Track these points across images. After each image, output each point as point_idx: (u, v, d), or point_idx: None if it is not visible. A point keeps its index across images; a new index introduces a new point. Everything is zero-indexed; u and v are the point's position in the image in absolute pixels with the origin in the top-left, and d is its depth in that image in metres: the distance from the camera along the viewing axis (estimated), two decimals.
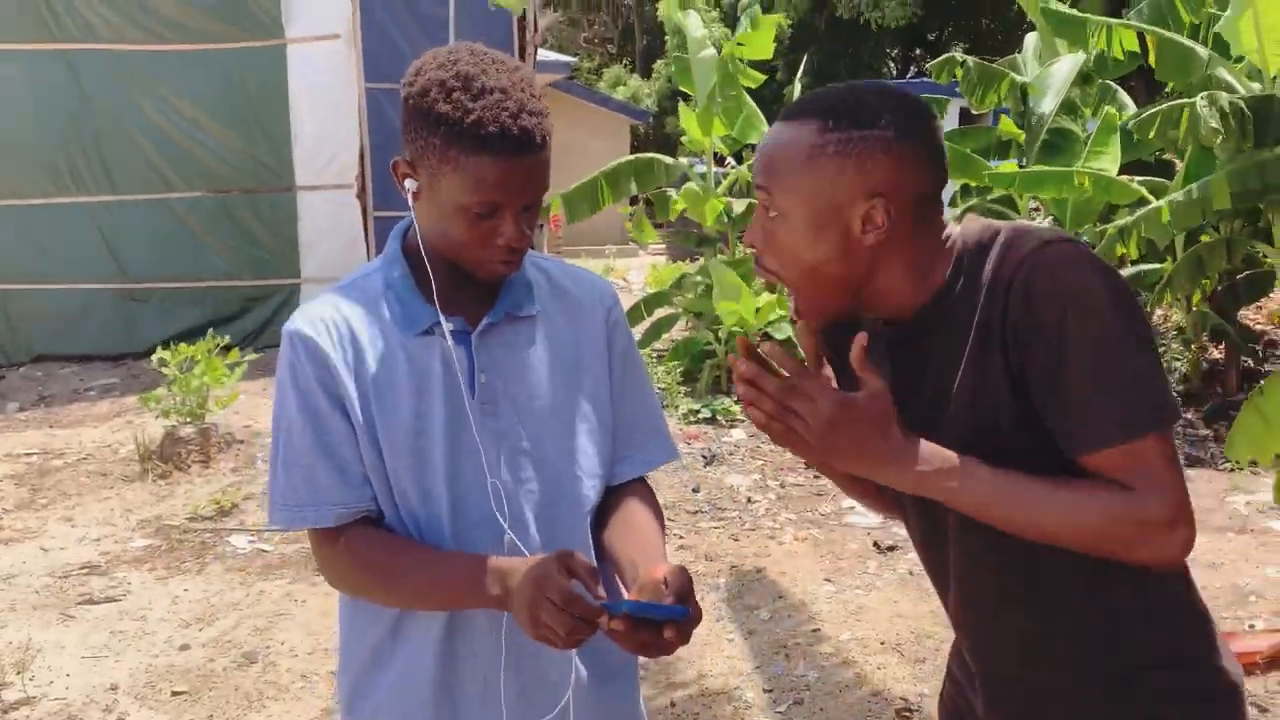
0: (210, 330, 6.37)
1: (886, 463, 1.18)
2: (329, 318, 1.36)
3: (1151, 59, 5.34)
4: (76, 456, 5.81)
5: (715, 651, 3.63)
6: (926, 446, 1.19)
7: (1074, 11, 5.96)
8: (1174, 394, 1.03)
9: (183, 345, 5.80)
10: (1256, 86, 5.57)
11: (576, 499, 1.43)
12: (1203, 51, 5.30)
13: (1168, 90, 6.04)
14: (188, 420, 5.70)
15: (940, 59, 7.08)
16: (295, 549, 4.53)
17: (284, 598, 4.07)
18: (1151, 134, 5.43)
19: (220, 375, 5.68)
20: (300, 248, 8.34)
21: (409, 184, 1.34)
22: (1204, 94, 5.10)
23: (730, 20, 19.02)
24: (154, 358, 5.75)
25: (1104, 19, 5.58)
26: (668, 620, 1.20)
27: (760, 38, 7.52)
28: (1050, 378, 1.17)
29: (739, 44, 7.55)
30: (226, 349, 5.97)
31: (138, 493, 5.27)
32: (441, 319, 1.36)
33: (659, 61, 8.23)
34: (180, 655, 3.66)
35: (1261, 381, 3.28)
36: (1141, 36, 5.30)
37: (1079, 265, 1.16)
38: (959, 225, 1.31)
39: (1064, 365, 1.15)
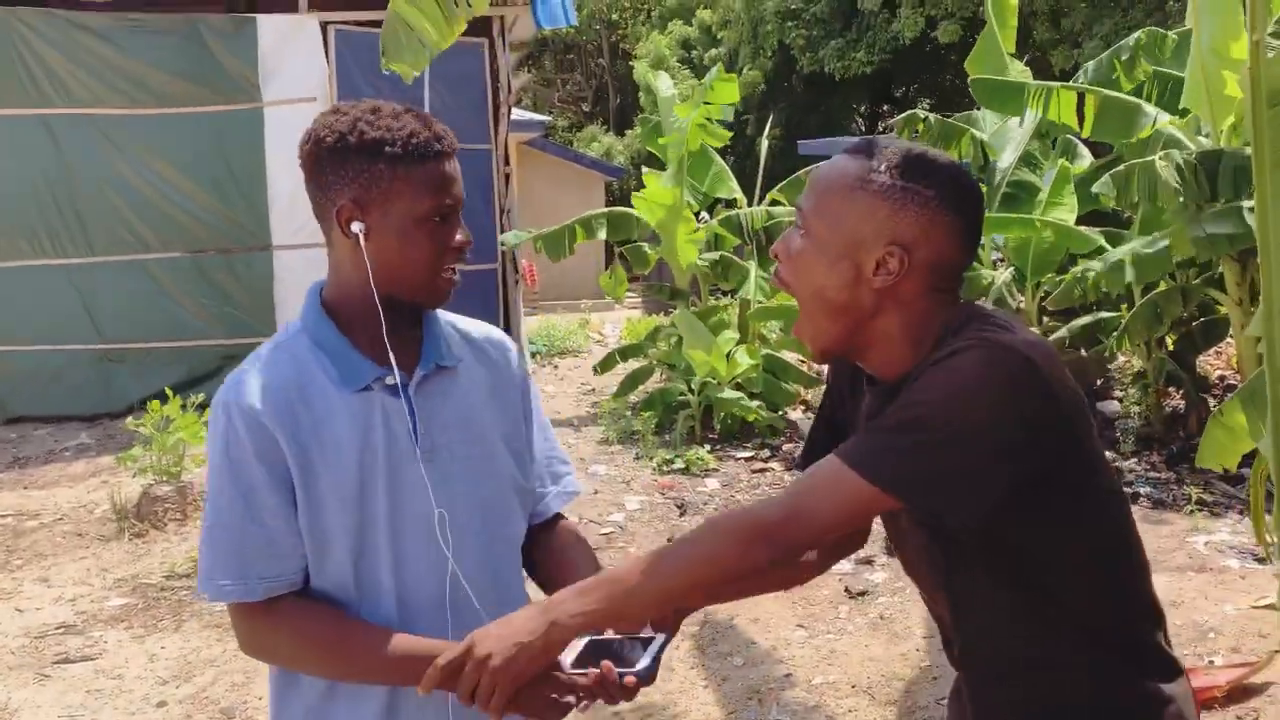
0: (195, 393, 6.40)
1: (540, 638, 1.25)
2: (265, 384, 1.37)
3: (1088, 122, 5.50)
4: (52, 517, 5.82)
5: (689, 698, 3.68)
6: (561, 597, 1.28)
7: (1009, 79, 6.12)
8: (906, 474, 1.09)
9: (155, 403, 5.83)
10: (1204, 140, 5.78)
11: (512, 537, 1.53)
12: (1149, 109, 5.51)
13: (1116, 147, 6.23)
14: (164, 479, 5.72)
15: (903, 115, 7.31)
16: None
17: None
18: (1115, 198, 5.59)
19: (196, 432, 5.71)
20: (276, 306, 8.41)
21: (356, 226, 1.38)
22: (1163, 152, 5.27)
23: (700, 75, 19.42)
24: (129, 420, 5.77)
25: (1043, 83, 5.76)
26: (632, 672, 1.28)
27: (724, 92, 7.74)
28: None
29: (706, 103, 7.76)
30: (202, 407, 6.00)
31: (114, 552, 5.28)
32: (391, 372, 1.40)
33: (640, 117, 8.48)
34: (158, 712, 3.67)
35: (1222, 404, 3.59)
36: (1080, 99, 5.48)
37: (985, 355, 1.21)
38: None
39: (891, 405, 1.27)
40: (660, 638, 1.35)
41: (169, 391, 6.14)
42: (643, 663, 1.29)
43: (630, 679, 1.27)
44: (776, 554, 1.24)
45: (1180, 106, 5.67)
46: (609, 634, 1.36)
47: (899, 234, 1.28)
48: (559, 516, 1.62)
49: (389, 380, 1.41)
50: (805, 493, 1.26)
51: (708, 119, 7.84)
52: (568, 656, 1.32)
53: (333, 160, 1.39)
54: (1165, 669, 1.34)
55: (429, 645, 1.33)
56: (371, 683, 1.38)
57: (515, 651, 1.24)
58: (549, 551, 1.56)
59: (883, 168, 1.29)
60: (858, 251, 1.29)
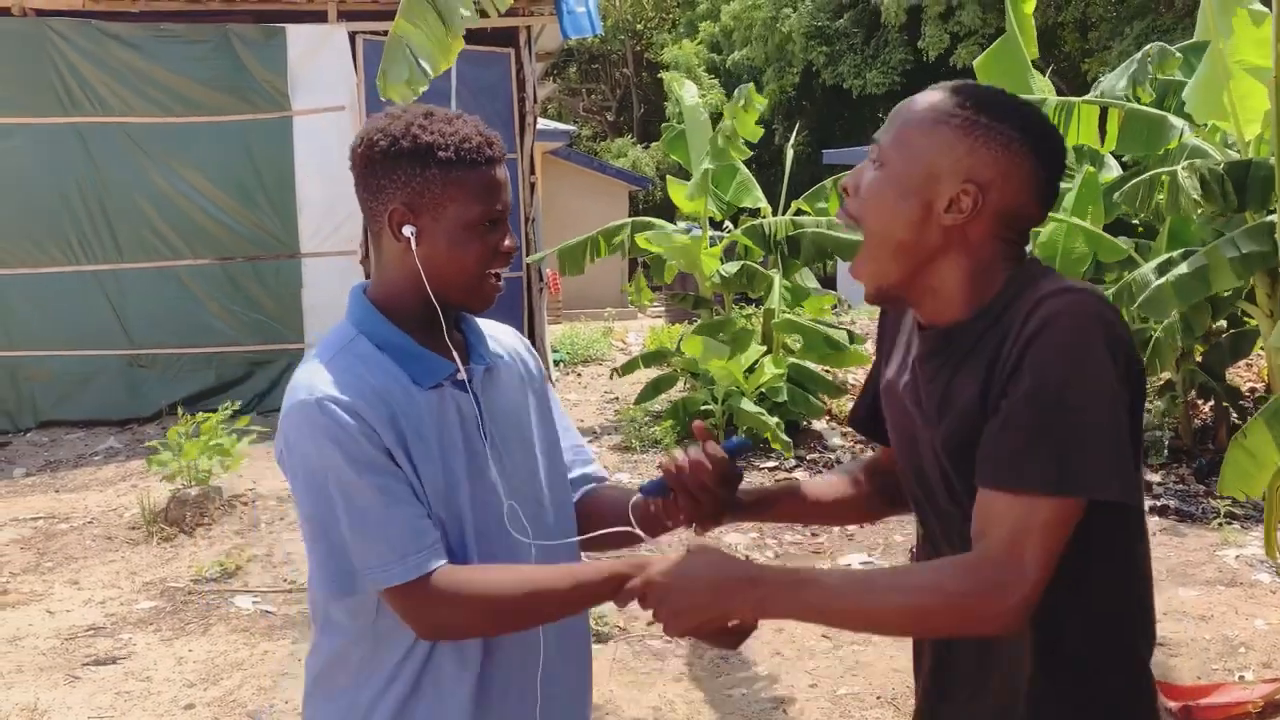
0: (223, 398, 6.46)
1: (731, 603, 1.24)
2: (346, 382, 1.36)
3: (1110, 136, 5.45)
4: (82, 520, 5.88)
5: (714, 708, 3.68)
6: (765, 571, 1.26)
7: (1030, 96, 6.08)
8: (1118, 469, 1.14)
9: (185, 417, 5.89)
10: (1233, 153, 5.73)
11: (568, 516, 1.58)
12: (1175, 121, 5.46)
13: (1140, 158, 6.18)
14: (193, 484, 5.78)
15: None
16: (299, 610, 4.58)
17: (288, 657, 4.12)
18: (1137, 204, 5.55)
19: (230, 449, 5.78)
20: (304, 313, 8.49)
21: (407, 230, 1.39)
22: (1185, 162, 5.23)
23: (729, 86, 19.45)
24: (169, 432, 5.80)
25: (1063, 99, 5.71)
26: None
27: (748, 119, 7.79)
28: (1000, 403, 1.20)
29: (732, 118, 7.79)
30: (235, 415, 6.08)
31: (143, 556, 5.33)
32: (461, 368, 1.43)
33: (664, 125, 8.50)
34: (185, 715, 3.70)
35: (1244, 425, 3.45)
36: (1103, 114, 5.44)
37: (1082, 315, 1.18)
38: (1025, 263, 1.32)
39: (1011, 396, 1.18)
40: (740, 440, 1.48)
41: (224, 404, 6.19)
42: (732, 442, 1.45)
43: (721, 455, 1.43)
44: (1000, 623, 1.18)
45: (1198, 120, 5.61)
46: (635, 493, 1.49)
47: (976, 172, 1.25)
48: (596, 483, 1.68)
49: (459, 376, 1.44)
50: (1013, 545, 1.16)
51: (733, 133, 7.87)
52: (651, 488, 1.45)
53: (385, 164, 1.40)
54: (1149, 685, 1.33)
55: (605, 568, 1.36)
56: (552, 619, 1.42)
57: (695, 618, 1.26)
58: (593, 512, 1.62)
59: (968, 103, 1.27)
60: (932, 186, 1.26)
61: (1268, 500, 2.91)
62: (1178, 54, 5.93)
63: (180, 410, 6.63)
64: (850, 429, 1.56)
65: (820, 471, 6.71)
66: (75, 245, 8.27)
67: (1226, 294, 6.16)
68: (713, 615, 1.26)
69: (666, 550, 5.19)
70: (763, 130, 8.24)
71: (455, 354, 1.43)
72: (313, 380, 1.37)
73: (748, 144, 7.97)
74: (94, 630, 4.45)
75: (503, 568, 1.39)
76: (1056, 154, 1.29)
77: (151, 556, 5.31)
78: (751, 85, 8.22)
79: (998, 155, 1.25)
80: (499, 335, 1.60)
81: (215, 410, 6.05)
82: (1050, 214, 6.72)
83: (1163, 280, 5.24)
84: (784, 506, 1.64)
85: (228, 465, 5.84)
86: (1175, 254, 5.62)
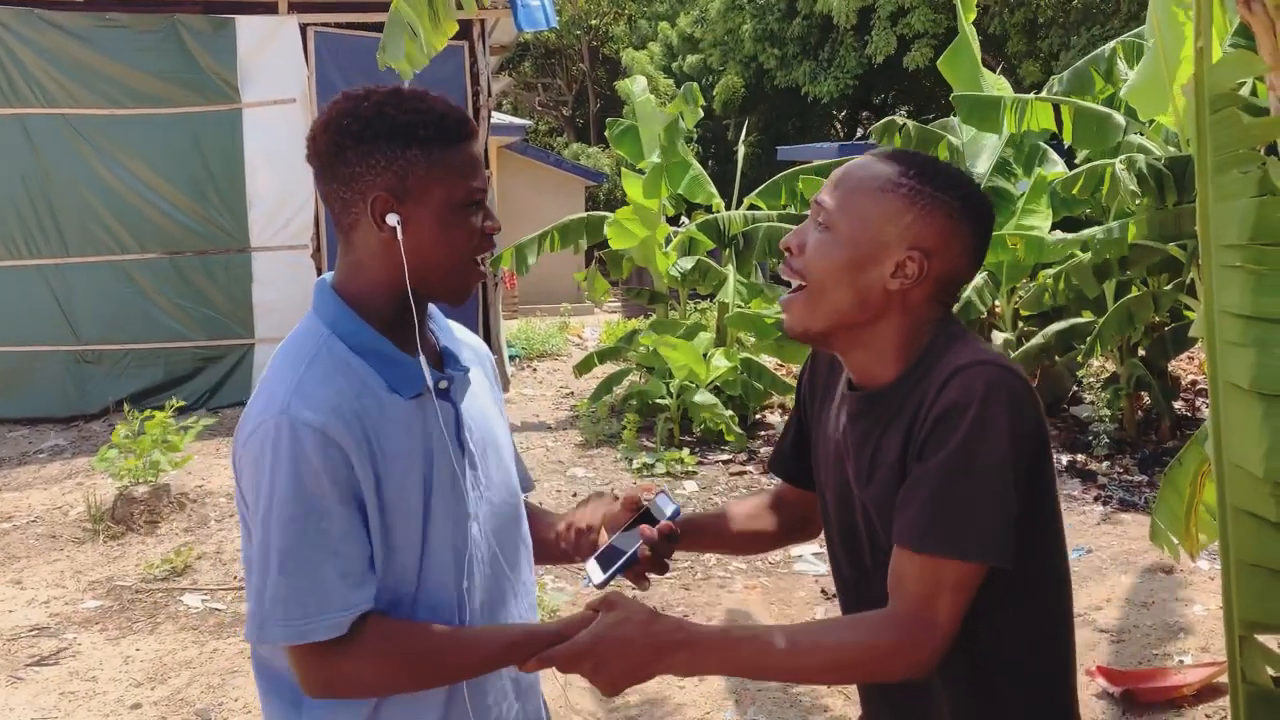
0: (172, 395, 6.38)
1: (664, 667, 1.26)
2: (323, 396, 1.26)
3: (1066, 131, 5.61)
4: (26, 519, 5.78)
5: (667, 700, 3.70)
6: (693, 631, 1.27)
7: (989, 94, 6.23)
8: (1003, 540, 1.24)
9: (132, 414, 5.80)
10: (1172, 149, 5.87)
11: (520, 522, 1.54)
12: (1119, 118, 5.60)
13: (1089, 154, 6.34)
14: (140, 481, 5.70)
15: (882, 122, 7.38)
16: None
17: (237, 655, 4.08)
18: (1076, 190, 5.71)
19: (178, 446, 5.70)
20: (254, 308, 8.39)
21: (392, 219, 1.29)
22: (1122, 157, 5.39)
23: (680, 82, 19.49)
24: (111, 433, 5.71)
25: (1019, 96, 5.86)
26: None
27: (690, 115, 7.92)
28: (911, 467, 1.28)
29: (678, 111, 7.87)
30: (182, 410, 5.99)
31: (89, 554, 5.25)
32: (443, 376, 1.37)
33: (609, 120, 8.44)
34: (132, 715, 3.66)
35: (1179, 453, 3.24)
36: (1056, 109, 5.57)
37: (989, 386, 1.24)
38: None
39: (921, 460, 1.26)
40: (661, 496, 1.51)
41: (170, 399, 6.12)
42: (668, 507, 1.48)
43: (665, 527, 1.46)
44: (913, 672, 1.26)
45: (1141, 117, 5.76)
46: (606, 541, 1.50)
47: (922, 239, 1.31)
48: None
49: (442, 384, 1.37)
50: (925, 602, 1.25)
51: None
52: (596, 577, 1.43)
53: (358, 148, 1.28)
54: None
55: (529, 631, 1.33)
56: (464, 679, 1.35)
57: (625, 676, 1.26)
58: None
59: (912, 172, 1.32)
60: (880, 252, 1.31)
61: (1187, 499, 2.89)
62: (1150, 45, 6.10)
63: (127, 407, 6.53)
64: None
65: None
66: (19, 239, 8.11)
67: (1167, 288, 6.31)
68: (647, 677, 1.27)
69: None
70: (701, 114, 8.34)
71: (423, 358, 1.34)
72: (285, 392, 1.26)
73: (697, 140, 8.07)
74: (38, 630, 4.37)
75: (426, 631, 1.30)
76: (989, 220, 1.37)
77: (98, 555, 5.24)
78: (694, 85, 8.33)
79: (941, 224, 1.31)
80: (464, 336, 1.53)
81: (163, 408, 5.97)
82: (997, 220, 6.90)
83: (1089, 254, 5.46)
84: (707, 540, 1.75)
85: (176, 462, 5.77)
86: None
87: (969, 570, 1.24)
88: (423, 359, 1.34)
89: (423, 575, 1.33)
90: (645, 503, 1.52)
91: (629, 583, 1.50)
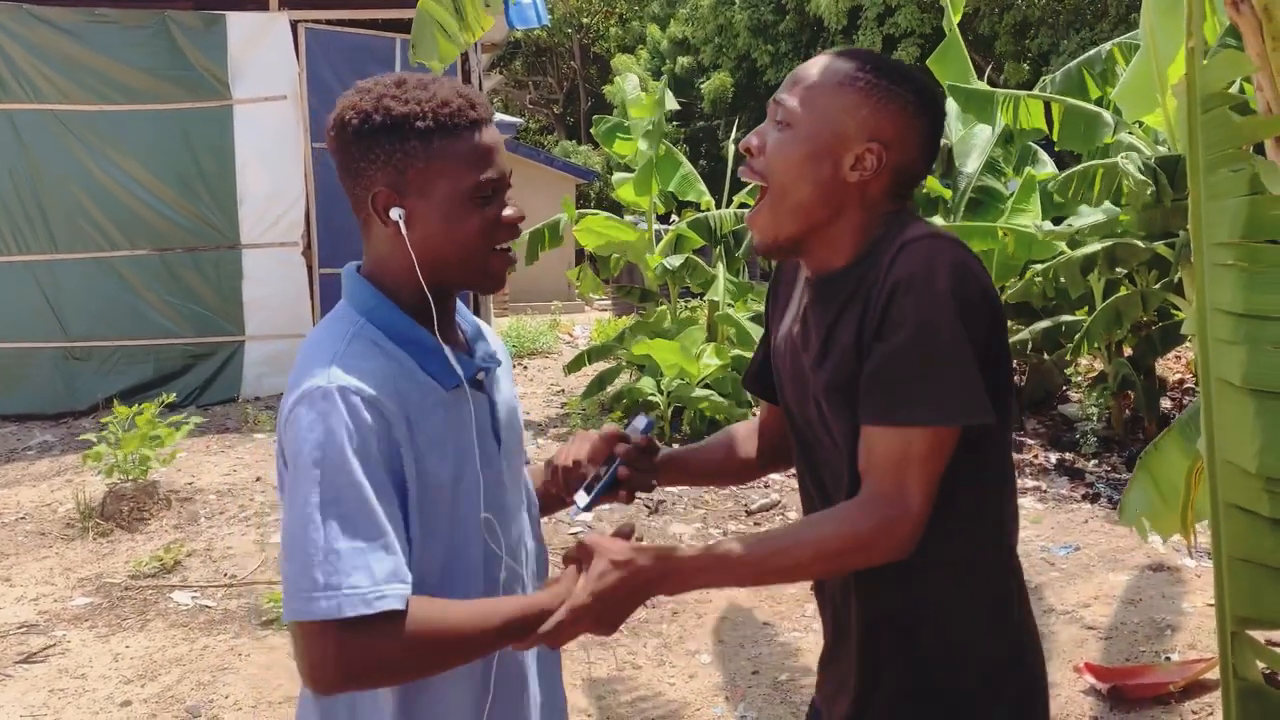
0: (161, 392, 6.36)
1: (652, 594, 1.29)
2: (368, 370, 1.24)
3: (1055, 129, 5.64)
4: (14, 516, 5.75)
5: (657, 697, 3.71)
6: (676, 560, 1.29)
7: (980, 86, 6.26)
8: (975, 397, 1.27)
9: (121, 409, 5.78)
10: (1162, 149, 5.91)
11: (536, 517, 1.54)
12: (1108, 117, 5.62)
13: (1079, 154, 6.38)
14: (130, 478, 5.68)
15: None
16: (238, 604, 4.53)
17: (228, 652, 4.08)
18: (1070, 193, 5.73)
19: (168, 440, 5.69)
20: (245, 305, 8.37)
21: (395, 213, 1.27)
22: (1124, 154, 5.42)
23: (676, 91, 19.53)
24: (101, 430, 5.68)
25: (1012, 92, 5.88)
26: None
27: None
28: (870, 346, 1.30)
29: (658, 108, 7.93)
30: (171, 407, 5.97)
31: (78, 551, 5.23)
32: (482, 368, 1.36)
33: (596, 118, 8.46)
34: (122, 712, 3.65)
35: (1155, 439, 3.26)
36: (1047, 107, 5.60)
37: (937, 256, 1.27)
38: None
39: (879, 338, 1.28)
40: (641, 420, 1.55)
41: (161, 394, 6.10)
42: (641, 423, 1.52)
43: (642, 439, 1.50)
44: (895, 552, 1.27)
45: (1127, 118, 5.80)
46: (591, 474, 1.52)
47: (880, 131, 1.34)
48: None
49: (479, 375, 1.36)
50: (896, 477, 1.26)
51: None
52: (581, 502, 1.48)
53: (360, 143, 1.26)
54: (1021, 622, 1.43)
55: (522, 606, 1.28)
56: (472, 659, 1.28)
57: (622, 613, 1.28)
58: None
59: (867, 67, 1.35)
60: (839, 145, 1.34)
61: (1186, 481, 2.92)
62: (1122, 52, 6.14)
63: (117, 404, 6.50)
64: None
65: None
66: (7, 235, 8.08)
67: (1155, 287, 6.34)
68: (639, 604, 1.30)
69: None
70: (718, 105, 8.39)
71: (464, 350, 1.34)
72: (325, 366, 1.23)
73: (687, 140, 8.11)
74: (26, 627, 4.36)
75: (443, 607, 1.24)
76: (942, 115, 1.41)
77: (87, 552, 5.22)
78: (664, 83, 8.41)
79: (896, 116, 1.34)
80: (484, 330, 1.50)
81: (152, 404, 5.95)
82: (984, 218, 6.94)
83: (1076, 253, 5.50)
84: (693, 471, 1.77)
85: (165, 459, 5.75)
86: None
87: (937, 438, 1.26)
88: (448, 351, 1.32)
89: (447, 565, 1.31)
90: (624, 431, 1.56)
91: (618, 504, 1.57)
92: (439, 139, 1.25)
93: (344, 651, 1.15)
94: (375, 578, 1.16)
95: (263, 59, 8.24)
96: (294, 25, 8.30)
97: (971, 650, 1.38)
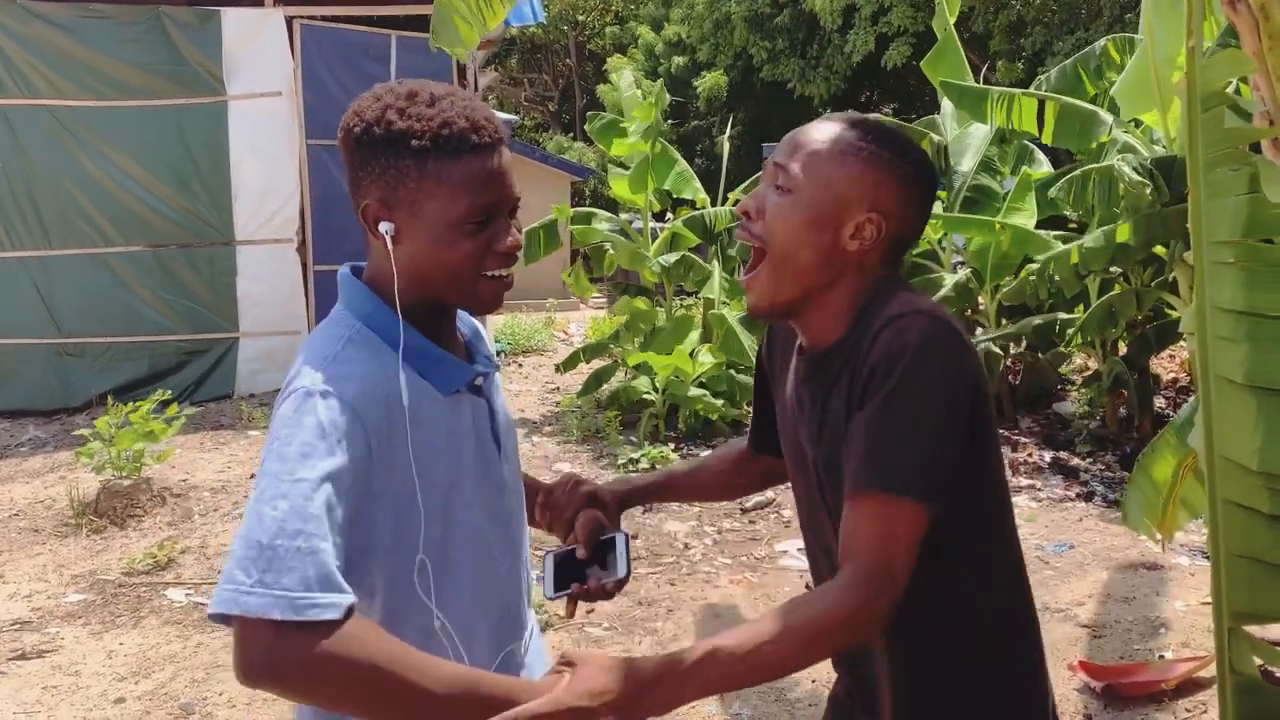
0: (155, 388, 6.35)
1: (641, 704, 1.17)
2: (363, 381, 1.22)
3: (1048, 128, 5.63)
4: (8, 513, 5.74)
5: None
6: (665, 667, 1.19)
7: (973, 84, 6.26)
8: (938, 480, 1.26)
9: (115, 406, 5.76)
10: (1159, 149, 5.91)
11: (525, 522, 1.53)
12: (1105, 116, 5.63)
13: (1077, 153, 6.38)
14: (123, 475, 5.67)
15: None
16: None
17: (222, 649, 4.07)
18: (1070, 198, 5.71)
19: (161, 435, 5.67)
20: (239, 301, 8.36)
21: (384, 227, 1.24)
22: (1120, 155, 5.42)
23: (671, 89, 19.57)
24: (94, 427, 5.66)
25: (1006, 90, 5.87)
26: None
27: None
28: (854, 418, 1.29)
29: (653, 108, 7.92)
30: (165, 404, 5.96)
31: (71, 548, 5.22)
32: (483, 373, 1.34)
33: (590, 114, 8.46)
34: (115, 709, 3.64)
35: (1152, 441, 3.28)
36: (1041, 106, 5.60)
37: (922, 333, 1.26)
38: None
39: (863, 410, 1.28)
40: (622, 537, 1.48)
41: (155, 390, 6.09)
42: (620, 568, 1.45)
43: (612, 584, 1.42)
44: (879, 627, 1.24)
45: (1125, 116, 5.79)
46: (568, 545, 1.52)
47: (880, 202, 1.34)
48: None
49: (477, 381, 1.34)
50: (878, 550, 1.24)
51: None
52: (548, 584, 1.46)
53: (360, 153, 1.25)
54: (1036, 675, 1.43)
55: (505, 684, 1.17)
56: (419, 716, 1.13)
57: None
58: None
59: (869, 137, 1.36)
60: (840, 213, 1.34)
61: (1165, 491, 2.92)
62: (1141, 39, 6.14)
63: (110, 401, 6.49)
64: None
65: None
66: (1, 231, 8.05)
67: (1150, 285, 6.35)
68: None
69: None
70: (712, 104, 8.42)
71: (463, 355, 1.33)
72: (323, 370, 1.21)
73: (683, 139, 8.12)
74: (20, 624, 4.34)
75: (401, 644, 1.13)
76: (935, 186, 1.42)
77: (80, 549, 5.20)
78: (662, 83, 8.39)
79: (897, 187, 1.35)
80: (481, 331, 1.49)
81: (148, 401, 5.94)
82: (982, 215, 6.94)
83: (1070, 246, 5.50)
84: (682, 496, 1.81)
85: (159, 456, 5.74)
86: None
87: (915, 509, 1.24)
88: (446, 357, 1.30)
89: (436, 575, 1.27)
90: (610, 536, 1.52)
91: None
92: (434, 160, 1.22)
93: (266, 651, 1.07)
94: (309, 583, 1.08)
95: (258, 55, 8.22)
96: (289, 21, 8.28)
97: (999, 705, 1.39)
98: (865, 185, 1.34)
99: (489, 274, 1.27)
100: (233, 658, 1.11)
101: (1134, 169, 5.28)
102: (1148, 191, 5.25)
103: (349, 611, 1.10)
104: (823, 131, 1.38)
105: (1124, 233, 5.28)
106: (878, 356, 1.27)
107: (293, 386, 1.21)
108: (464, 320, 1.44)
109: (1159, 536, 3.20)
